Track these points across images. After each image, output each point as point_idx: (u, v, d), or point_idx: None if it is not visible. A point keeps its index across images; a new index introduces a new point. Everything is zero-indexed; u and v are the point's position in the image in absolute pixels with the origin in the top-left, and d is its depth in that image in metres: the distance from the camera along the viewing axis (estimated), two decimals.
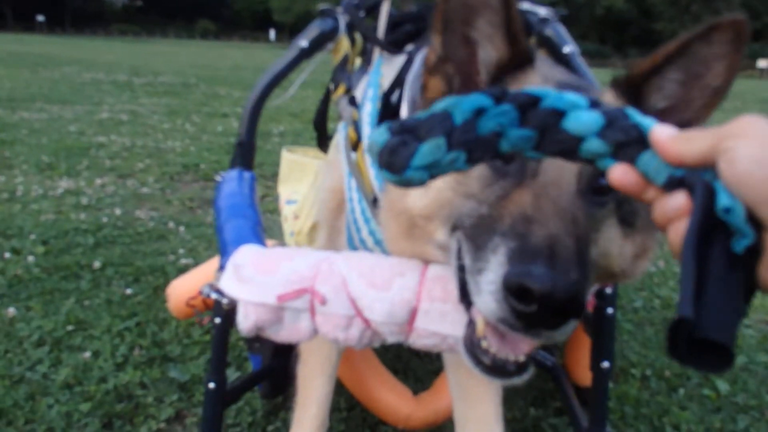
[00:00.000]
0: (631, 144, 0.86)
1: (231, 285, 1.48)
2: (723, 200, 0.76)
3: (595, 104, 0.89)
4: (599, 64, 49.36)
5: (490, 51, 1.46)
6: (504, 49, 1.44)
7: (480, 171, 1.34)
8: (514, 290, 1.00)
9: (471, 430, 2.08)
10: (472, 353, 1.22)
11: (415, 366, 3.25)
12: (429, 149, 0.88)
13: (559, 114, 0.87)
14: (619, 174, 0.86)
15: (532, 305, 0.99)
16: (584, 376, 2.11)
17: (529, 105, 0.87)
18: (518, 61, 1.46)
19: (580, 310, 1.00)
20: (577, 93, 0.91)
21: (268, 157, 8.03)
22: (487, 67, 1.48)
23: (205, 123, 10.98)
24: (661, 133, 0.82)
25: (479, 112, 0.87)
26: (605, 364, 1.95)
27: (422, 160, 0.88)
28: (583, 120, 0.87)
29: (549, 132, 0.87)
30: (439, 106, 0.89)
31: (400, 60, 1.99)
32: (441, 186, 1.39)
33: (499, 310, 1.05)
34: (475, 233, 1.21)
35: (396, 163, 0.88)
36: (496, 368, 1.20)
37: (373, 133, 0.91)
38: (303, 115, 12.17)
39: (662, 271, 4.90)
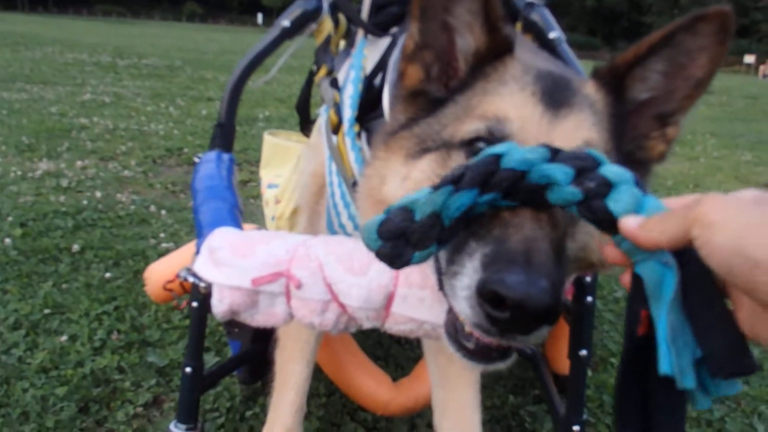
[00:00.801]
0: (599, 191, 0.92)
1: (206, 268, 1.45)
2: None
3: (555, 153, 0.97)
4: (588, 55, 49.48)
5: (468, 39, 1.43)
6: (482, 37, 1.42)
7: (458, 164, 1.32)
8: (487, 298, 0.99)
9: (449, 417, 2.07)
10: (455, 339, 1.21)
11: (396, 352, 3.24)
12: (422, 256, 1.03)
13: (522, 173, 0.97)
14: (609, 257, 0.95)
15: (505, 312, 0.98)
16: (564, 364, 2.11)
17: (488, 176, 0.98)
18: (497, 51, 1.43)
19: (555, 317, 0.99)
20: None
21: (253, 142, 7.97)
22: (466, 56, 1.45)
23: (190, 107, 10.88)
24: (629, 224, 0.88)
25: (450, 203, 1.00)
26: (583, 353, 1.94)
27: (418, 260, 1.04)
28: (546, 173, 0.95)
29: (514, 190, 0.99)
30: (421, 204, 1.00)
31: (384, 42, 1.96)
32: (420, 177, 1.36)
33: (473, 315, 1.05)
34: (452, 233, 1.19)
35: (395, 265, 1.04)
36: (479, 353, 1.18)
37: (365, 235, 1.03)
38: (289, 100, 12.09)
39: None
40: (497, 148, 0.98)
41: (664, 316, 0.87)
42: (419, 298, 1.33)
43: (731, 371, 0.83)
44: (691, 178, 8.30)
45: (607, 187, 0.92)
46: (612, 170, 0.93)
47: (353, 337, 2.70)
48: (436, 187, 0.99)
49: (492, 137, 1.29)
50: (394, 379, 2.61)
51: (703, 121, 14.81)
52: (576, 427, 1.95)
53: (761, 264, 0.68)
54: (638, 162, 1.46)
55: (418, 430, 2.66)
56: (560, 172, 0.94)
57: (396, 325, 1.37)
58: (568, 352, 1.97)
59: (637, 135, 1.45)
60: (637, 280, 0.90)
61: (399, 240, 1.00)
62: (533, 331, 1.03)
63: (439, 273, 1.25)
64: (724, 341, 0.84)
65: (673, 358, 0.85)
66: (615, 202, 0.91)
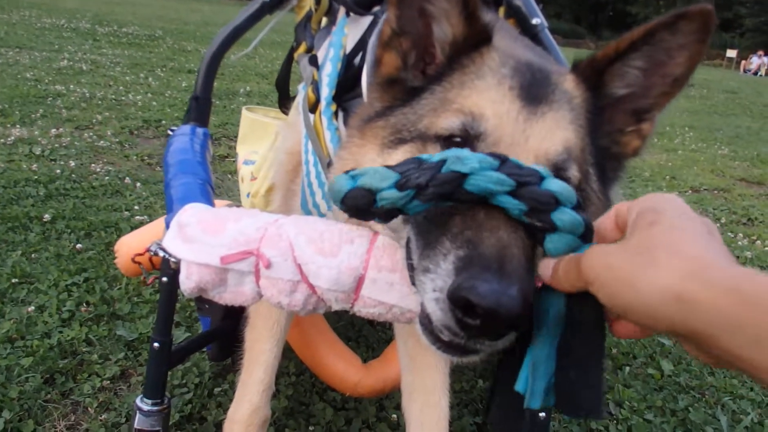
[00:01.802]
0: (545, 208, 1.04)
1: (174, 244, 1.42)
2: None
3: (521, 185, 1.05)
4: (573, 44, 49.48)
5: (445, 27, 1.41)
6: (460, 26, 1.40)
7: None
8: (459, 304, 0.99)
9: (417, 400, 2.08)
10: (430, 330, 1.20)
11: (368, 333, 3.25)
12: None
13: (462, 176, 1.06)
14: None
15: (476, 320, 0.98)
16: None
17: (451, 193, 1.07)
18: (475, 41, 1.42)
19: (524, 324, 1.00)
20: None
21: (232, 116, 7.88)
22: (443, 45, 1.43)
23: (170, 78, 10.71)
24: (543, 273, 1.05)
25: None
26: None
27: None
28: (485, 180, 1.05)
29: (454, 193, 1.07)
30: (384, 196, 1.10)
31: (365, 21, 1.93)
32: None
33: (443, 318, 1.05)
34: (426, 229, 1.18)
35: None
36: (453, 346, 1.18)
37: (332, 196, 1.14)
38: (271, 75, 11.96)
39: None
40: (464, 167, 1.05)
41: (537, 345, 1.05)
42: (389, 282, 1.32)
43: (577, 413, 1.05)
44: (668, 170, 8.38)
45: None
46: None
47: (324, 317, 2.69)
48: (401, 186, 1.07)
49: (467, 135, 1.28)
50: (365, 360, 2.62)
51: (683, 113, 14.94)
52: (542, 414, 1.96)
53: (635, 312, 0.86)
54: (613, 157, 1.47)
55: (386, 412, 2.67)
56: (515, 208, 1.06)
57: (365, 308, 1.36)
58: None
59: (612, 129, 1.45)
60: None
61: (360, 212, 1.15)
62: (501, 337, 1.04)
63: (411, 269, 1.24)
64: (584, 385, 1.02)
65: (528, 382, 1.04)
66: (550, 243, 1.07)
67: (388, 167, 1.11)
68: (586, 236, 1.04)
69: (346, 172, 1.15)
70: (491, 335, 1.03)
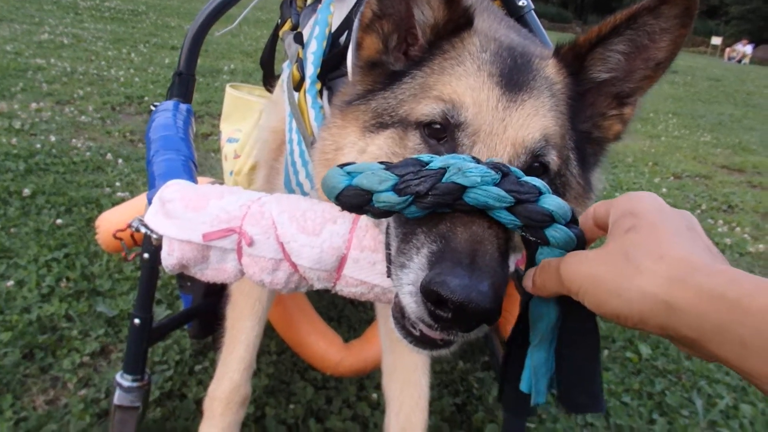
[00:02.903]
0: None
1: (156, 220, 1.41)
2: None
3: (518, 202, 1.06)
4: (559, 27, 49.46)
5: (426, 11, 1.40)
6: (440, 11, 1.39)
7: (415, 144, 1.32)
8: (431, 298, 1.01)
9: (397, 380, 2.10)
10: (402, 325, 1.21)
11: (349, 314, 3.26)
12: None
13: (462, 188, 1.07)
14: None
15: (447, 312, 1.00)
16: None
17: (449, 203, 1.09)
18: (456, 25, 1.41)
19: (495, 318, 1.01)
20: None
21: (216, 94, 7.80)
22: (424, 29, 1.43)
23: (153, 54, 10.57)
24: (526, 284, 1.08)
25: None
26: None
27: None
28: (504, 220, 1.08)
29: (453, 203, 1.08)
30: (381, 199, 1.09)
31: None
32: (377, 153, 1.36)
33: (417, 310, 1.07)
34: (404, 220, 1.19)
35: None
36: (424, 340, 1.20)
37: (326, 192, 1.13)
38: (255, 54, 11.83)
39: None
40: (466, 180, 1.06)
41: (535, 349, 1.10)
42: (371, 262, 1.32)
43: (578, 410, 1.09)
44: (650, 156, 8.44)
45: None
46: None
47: (307, 296, 2.70)
48: (399, 191, 1.07)
49: (448, 123, 1.29)
50: (347, 340, 2.63)
51: (666, 100, 15.02)
52: None
53: (625, 318, 0.86)
54: (594, 141, 1.48)
55: (367, 391, 2.69)
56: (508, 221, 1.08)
57: (347, 287, 1.36)
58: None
59: (594, 114, 1.46)
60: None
61: (354, 209, 1.14)
62: (473, 330, 1.06)
63: (389, 260, 1.25)
64: (582, 384, 1.07)
65: (531, 382, 1.10)
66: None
67: (387, 167, 1.11)
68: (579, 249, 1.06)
69: (341, 166, 1.13)
70: (463, 328, 1.05)
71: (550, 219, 1.03)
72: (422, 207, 1.08)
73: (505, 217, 1.06)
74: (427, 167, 1.09)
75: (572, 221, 1.06)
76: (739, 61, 44.28)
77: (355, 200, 1.11)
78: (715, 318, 0.75)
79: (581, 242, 1.06)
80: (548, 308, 1.08)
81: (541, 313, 1.09)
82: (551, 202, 1.04)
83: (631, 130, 1.47)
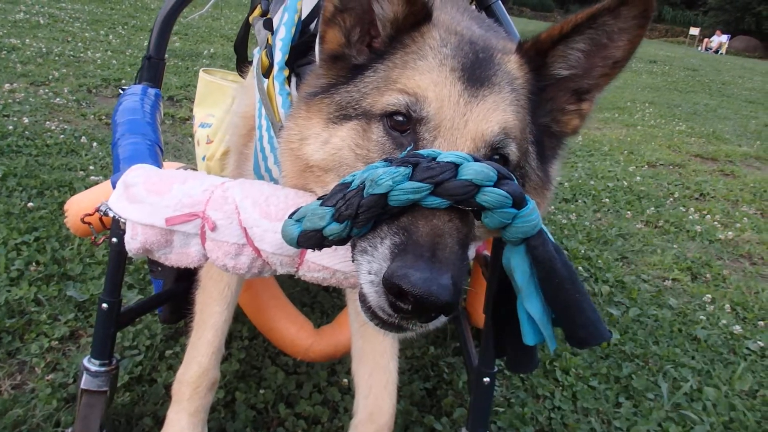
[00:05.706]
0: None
1: (120, 204, 1.42)
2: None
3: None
4: (541, 17, 49.53)
5: (385, 6, 1.43)
6: (399, 5, 1.42)
7: (378, 137, 1.34)
8: (392, 291, 1.04)
9: (367, 364, 2.12)
10: (367, 307, 1.23)
11: (322, 299, 3.27)
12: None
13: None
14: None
15: (408, 305, 1.04)
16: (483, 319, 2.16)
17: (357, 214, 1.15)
18: (415, 19, 1.44)
19: (454, 309, 1.05)
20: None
21: (195, 78, 7.67)
22: (383, 23, 1.45)
23: (131, 36, 10.44)
24: None
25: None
26: None
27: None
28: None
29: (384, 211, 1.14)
30: (330, 230, 1.16)
31: None
32: (340, 144, 1.38)
33: (377, 300, 1.11)
34: None
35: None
36: (388, 324, 1.22)
37: (286, 240, 1.21)
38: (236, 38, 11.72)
39: (573, 224, 5.07)
40: (380, 188, 1.11)
41: (526, 301, 1.18)
42: (333, 248, 1.34)
43: (589, 344, 1.18)
44: (626, 145, 8.51)
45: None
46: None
47: (277, 281, 2.70)
48: (337, 219, 1.14)
49: (410, 117, 1.32)
50: (320, 325, 2.64)
51: (644, 89, 15.15)
52: (486, 379, 2.01)
53: None
54: (553, 135, 1.52)
55: (338, 377, 2.71)
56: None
57: (309, 272, 1.38)
58: (483, 307, 2.02)
59: (553, 108, 1.51)
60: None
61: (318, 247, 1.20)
62: (432, 321, 1.11)
63: (353, 246, 1.27)
64: (582, 321, 1.14)
65: (535, 333, 1.19)
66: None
67: (322, 202, 1.16)
68: (518, 205, 1.09)
69: (290, 216, 1.20)
70: (422, 319, 1.09)
71: (474, 186, 1.08)
72: (361, 225, 1.14)
73: (434, 202, 1.10)
74: (348, 189, 1.15)
75: (502, 178, 1.11)
76: (716, 51, 44.68)
77: (312, 242, 1.17)
78: None
79: (517, 197, 1.12)
80: (518, 259, 1.16)
81: (514, 266, 1.17)
82: (469, 171, 1.09)
83: (587, 122, 1.52)
